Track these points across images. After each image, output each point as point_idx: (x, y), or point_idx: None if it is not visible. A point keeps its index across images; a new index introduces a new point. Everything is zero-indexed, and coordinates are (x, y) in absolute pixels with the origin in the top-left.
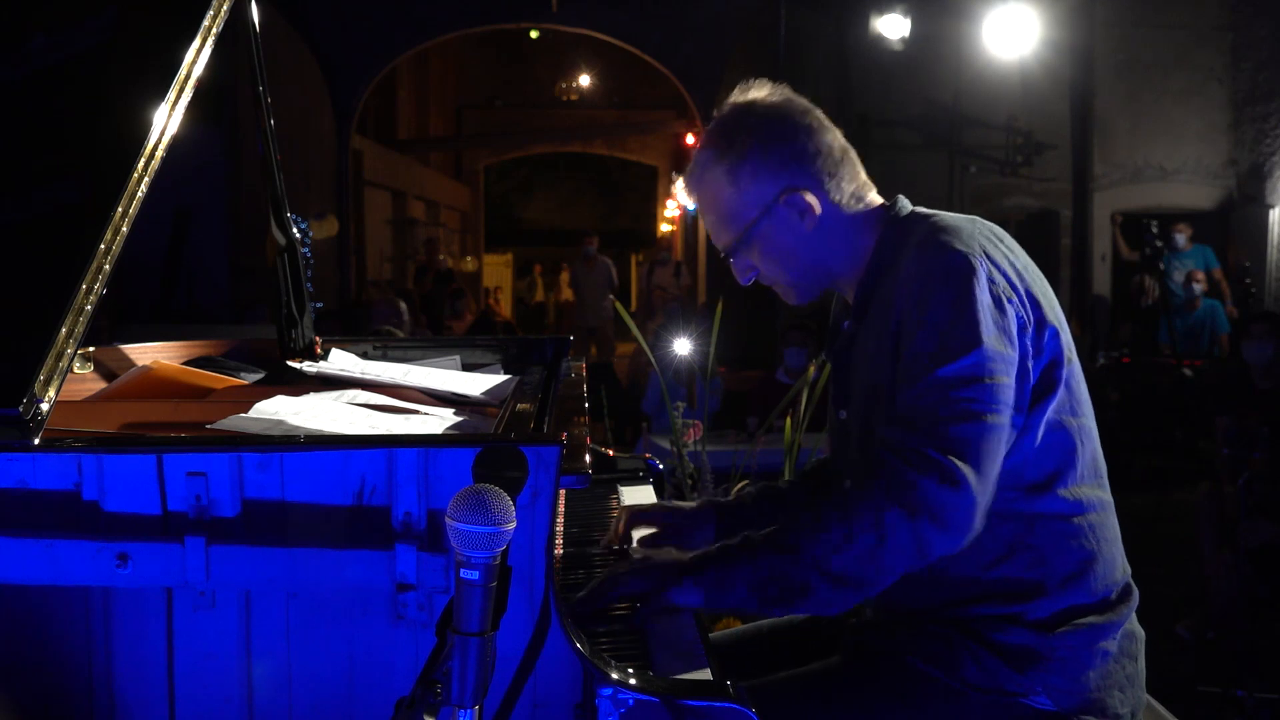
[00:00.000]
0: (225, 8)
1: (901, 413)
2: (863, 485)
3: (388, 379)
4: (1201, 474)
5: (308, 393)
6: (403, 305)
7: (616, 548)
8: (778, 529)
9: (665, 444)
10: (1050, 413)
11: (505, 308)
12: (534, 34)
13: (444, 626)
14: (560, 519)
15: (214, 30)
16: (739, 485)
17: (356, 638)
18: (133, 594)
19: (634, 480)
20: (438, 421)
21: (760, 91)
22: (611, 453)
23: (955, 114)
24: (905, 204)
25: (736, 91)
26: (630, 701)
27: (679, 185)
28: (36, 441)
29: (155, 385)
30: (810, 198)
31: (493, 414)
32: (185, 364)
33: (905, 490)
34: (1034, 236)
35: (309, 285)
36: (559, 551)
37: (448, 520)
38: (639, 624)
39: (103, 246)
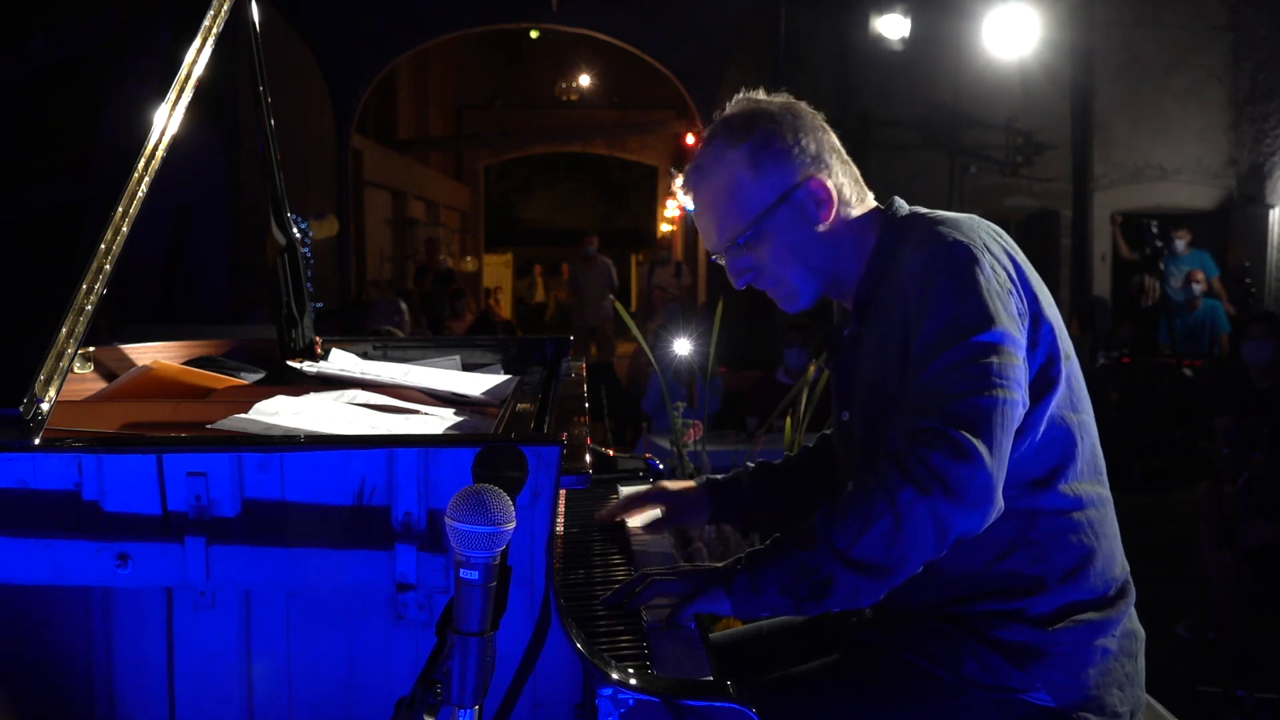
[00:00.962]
0: (225, 8)
1: (913, 399)
2: (877, 472)
3: (388, 379)
4: (1201, 474)
5: (308, 393)
6: (403, 305)
7: (611, 522)
8: (796, 526)
9: (665, 444)
10: (1051, 408)
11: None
12: (534, 34)
13: (444, 626)
14: (560, 519)
15: (214, 30)
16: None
17: (356, 638)
18: (133, 594)
19: (634, 480)
20: (438, 421)
21: (764, 95)
22: (611, 453)
23: (955, 114)
24: (902, 204)
25: (739, 96)
26: (630, 701)
27: (678, 181)
28: (37, 441)
29: (155, 385)
30: (830, 185)
31: (493, 414)
32: (185, 364)
33: (915, 466)
34: (1034, 236)
35: (309, 285)
36: (559, 551)
37: (447, 520)
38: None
39: (103, 246)
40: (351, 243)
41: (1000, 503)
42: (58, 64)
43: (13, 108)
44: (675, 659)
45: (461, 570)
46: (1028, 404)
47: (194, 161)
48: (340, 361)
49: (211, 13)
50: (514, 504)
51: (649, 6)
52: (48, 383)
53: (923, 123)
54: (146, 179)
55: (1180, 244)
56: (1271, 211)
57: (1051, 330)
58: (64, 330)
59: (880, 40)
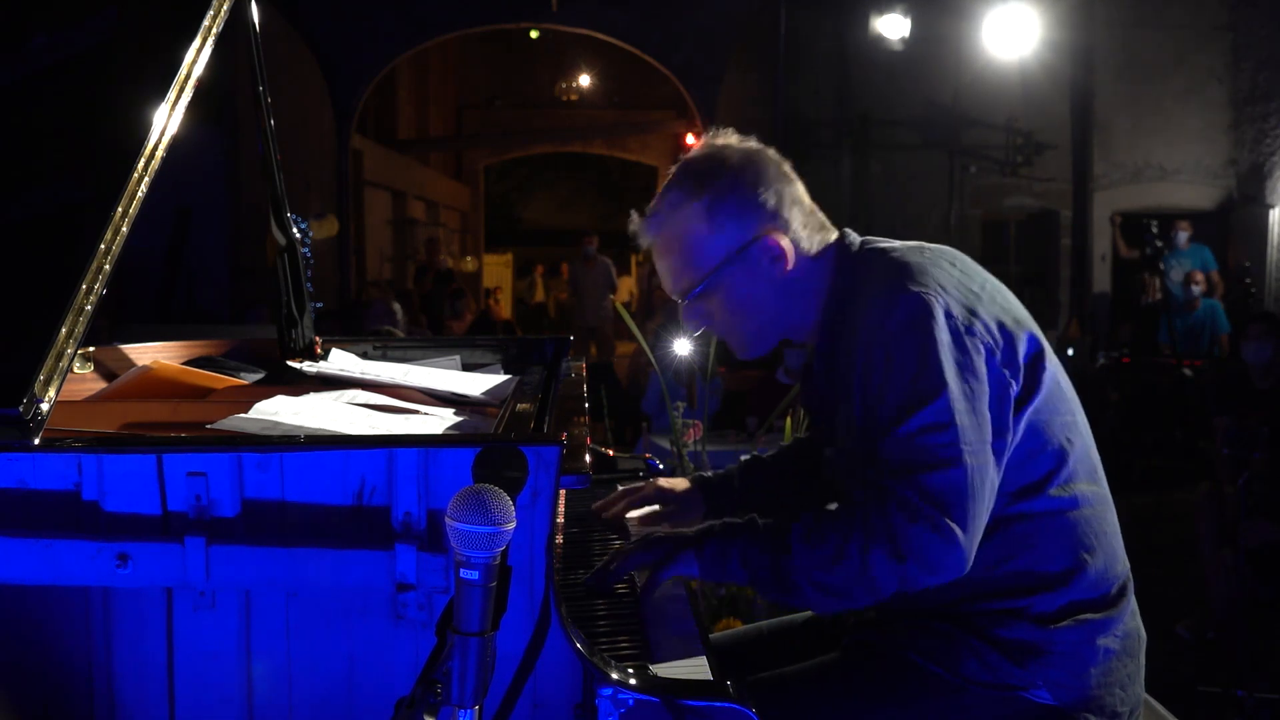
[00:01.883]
0: (225, 8)
1: (884, 454)
2: (852, 515)
3: (388, 379)
4: (1201, 474)
5: (308, 393)
6: (397, 306)
7: (607, 513)
8: (779, 522)
9: (665, 444)
10: (1034, 415)
11: (505, 308)
12: (534, 34)
13: (444, 626)
14: (560, 519)
15: (214, 30)
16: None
17: (356, 638)
18: (133, 594)
19: (634, 480)
20: (438, 421)
21: (732, 138)
22: (611, 453)
23: (955, 114)
24: (854, 236)
25: (706, 138)
26: (630, 701)
27: (635, 224)
28: (36, 441)
29: (155, 385)
30: (785, 243)
31: (493, 414)
32: (185, 364)
33: (892, 535)
34: (1034, 236)
35: (309, 285)
36: (559, 551)
37: (447, 520)
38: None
39: (103, 246)
40: (351, 243)
41: (970, 563)
42: (58, 64)
43: (13, 108)
44: (675, 659)
45: (462, 570)
46: (1005, 441)
47: (194, 161)
48: (340, 361)
49: (211, 13)
50: (514, 504)
51: (649, 6)
52: (47, 383)
53: (923, 123)
54: (146, 179)
55: (1182, 237)
56: (1271, 211)
57: (1028, 340)
58: (64, 330)
59: (880, 40)
